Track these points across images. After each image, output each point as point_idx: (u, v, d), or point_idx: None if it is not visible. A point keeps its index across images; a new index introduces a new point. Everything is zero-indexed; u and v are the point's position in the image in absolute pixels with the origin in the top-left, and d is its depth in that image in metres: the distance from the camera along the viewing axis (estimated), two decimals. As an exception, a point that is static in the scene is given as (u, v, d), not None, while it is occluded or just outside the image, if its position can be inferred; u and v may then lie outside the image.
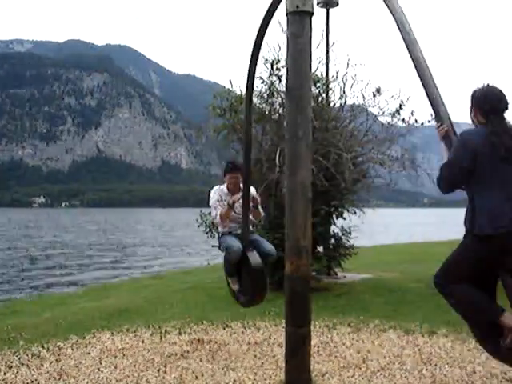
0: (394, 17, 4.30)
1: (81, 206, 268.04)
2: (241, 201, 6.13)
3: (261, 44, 5.42)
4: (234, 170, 6.44)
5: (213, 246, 11.72)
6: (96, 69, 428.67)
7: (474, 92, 3.75)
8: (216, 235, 10.76)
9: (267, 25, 5.24)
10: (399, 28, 4.26)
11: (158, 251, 33.84)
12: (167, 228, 67.44)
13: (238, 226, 6.40)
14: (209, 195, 6.56)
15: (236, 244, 6.08)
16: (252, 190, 6.28)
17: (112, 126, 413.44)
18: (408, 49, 4.15)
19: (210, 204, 6.48)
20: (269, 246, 6.34)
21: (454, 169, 3.59)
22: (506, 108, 3.67)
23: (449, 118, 3.86)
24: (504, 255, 3.47)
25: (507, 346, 3.64)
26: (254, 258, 6.02)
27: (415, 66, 4.06)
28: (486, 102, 3.64)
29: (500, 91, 3.68)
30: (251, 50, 5.41)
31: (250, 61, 5.51)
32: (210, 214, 6.62)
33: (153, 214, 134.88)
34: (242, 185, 6.24)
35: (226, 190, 6.47)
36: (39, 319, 8.59)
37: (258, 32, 5.29)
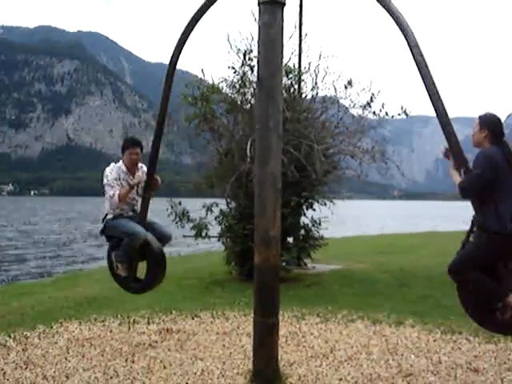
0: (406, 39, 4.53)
1: (50, 194, 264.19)
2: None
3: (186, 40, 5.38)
4: (134, 145, 5.98)
5: (184, 236, 11.72)
6: (67, 55, 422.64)
7: (486, 117, 4.43)
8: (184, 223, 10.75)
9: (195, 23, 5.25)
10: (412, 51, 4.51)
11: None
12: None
13: (129, 209, 6.02)
14: (103, 173, 5.92)
15: (140, 229, 5.70)
16: (145, 168, 5.98)
17: (82, 113, 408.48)
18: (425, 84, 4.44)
19: (106, 182, 5.83)
20: (165, 229, 6.11)
21: (481, 181, 4.21)
22: None
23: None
24: None
25: (503, 319, 4.39)
26: (155, 242, 5.79)
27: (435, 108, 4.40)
28: (499, 127, 4.41)
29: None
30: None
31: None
32: (109, 195, 5.78)
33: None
34: (140, 164, 6.00)
35: (124, 169, 5.93)
36: (6, 308, 8.47)
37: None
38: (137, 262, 5.97)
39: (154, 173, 5.83)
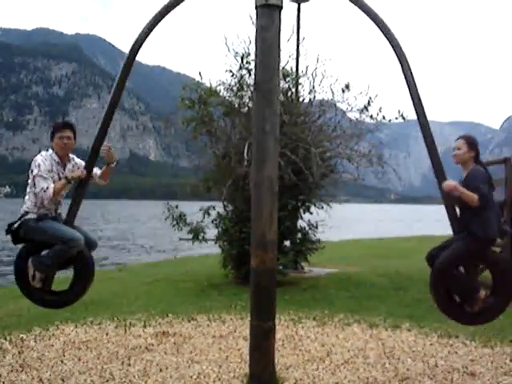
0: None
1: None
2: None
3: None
4: (65, 127, 5.15)
5: (180, 239, 11.71)
6: (65, 58, 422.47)
7: (472, 139, 5.07)
8: (180, 227, 10.73)
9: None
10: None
11: (123, 243, 33.50)
12: (135, 220, 66.92)
13: (54, 209, 5.17)
14: (31, 163, 5.05)
15: (79, 235, 4.92)
16: (78, 161, 5.31)
17: (80, 116, 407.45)
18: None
19: (37, 173, 4.92)
20: (91, 235, 5.33)
21: (491, 193, 4.88)
22: None
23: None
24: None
25: (473, 311, 4.94)
26: (86, 249, 5.09)
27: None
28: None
29: None
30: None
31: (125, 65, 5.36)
32: (42, 188, 4.87)
33: (122, 207, 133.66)
34: (71, 155, 5.28)
35: (56, 158, 5.09)
36: (2, 311, 8.45)
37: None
38: (55, 273, 5.16)
39: (93, 163, 5.20)
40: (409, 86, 4.88)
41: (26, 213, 5.03)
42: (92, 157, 5.18)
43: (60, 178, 5.06)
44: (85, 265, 5.13)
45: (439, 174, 4.89)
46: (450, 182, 4.75)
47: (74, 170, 5.19)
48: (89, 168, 5.17)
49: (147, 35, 5.08)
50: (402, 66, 4.89)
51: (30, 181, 5.04)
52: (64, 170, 5.15)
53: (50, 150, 5.13)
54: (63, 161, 5.17)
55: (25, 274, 5.04)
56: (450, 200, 4.89)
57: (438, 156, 4.96)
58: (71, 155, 5.29)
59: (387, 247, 20.76)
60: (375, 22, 4.89)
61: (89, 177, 5.16)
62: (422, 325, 7.14)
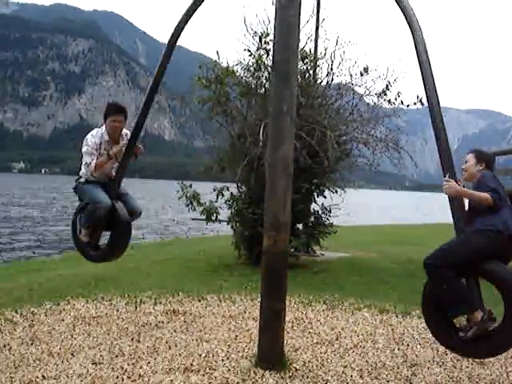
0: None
1: (61, 173, 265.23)
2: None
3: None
4: (119, 112, 5.58)
5: (193, 219, 11.72)
6: (82, 35, 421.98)
7: (482, 153, 4.64)
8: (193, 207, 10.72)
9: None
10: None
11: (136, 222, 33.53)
12: (148, 198, 67.14)
13: (106, 178, 5.68)
14: (83, 139, 5.57)
15: (104, 198, 5.42)
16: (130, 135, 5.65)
17: (95, 93, 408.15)
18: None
19: (85, 150, 5.48)
20: (136, 203, 5.82)
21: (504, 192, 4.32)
22: None
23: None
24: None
25: (466, 338, 4.16)
26: (123, 212, 5.52)
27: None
28: (493, 161, 4.72)
29: None
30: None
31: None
32: (86, 163, 5.47)
33: (135, 185, 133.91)
34: (124, 131, 5.65)
35: (106, 137, 5.54)
36: (14, 284, 8.53)
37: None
38: (101, 231, 5.74)
39: (137, 138, 5.54)
40: (422, 72, 4.61)
41: (80, 176, 5.68)
42: (134, 133, 5.54)
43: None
44: (119, 225, 5.53)
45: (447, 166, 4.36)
46: (452, 186, 4.22)
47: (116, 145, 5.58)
48: (132, 143, 5.53)
49: (182, 28, 5.24)
50: (416, 50, 4.65)
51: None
52: (115, 146, 5.55)
53: (103, 128, 5.57)
54: (114, 139, 5.56)
55: (75, 228, 5.79)
56: (453, 200, 4.33)
57: (448, 146, 4.42)
58: (125, 131, 5.68)
59: (400, 234, 20.69)
60: (399, 6, 4.74)
61: (132, 149, 5.56)
62: (432, 312, 7.09)
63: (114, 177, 5.66)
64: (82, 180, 5.67)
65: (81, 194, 5.74)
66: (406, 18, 4.55)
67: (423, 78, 4.47)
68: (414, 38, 4.51)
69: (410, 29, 4.52)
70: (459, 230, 4.28)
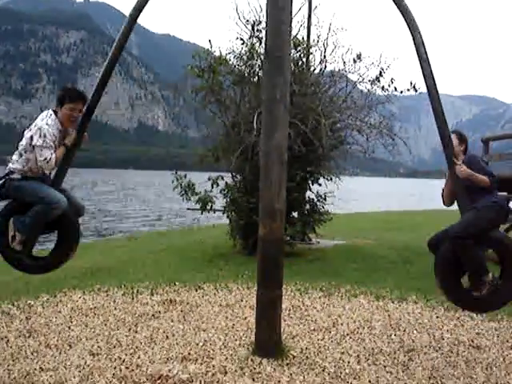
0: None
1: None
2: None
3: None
4: (79, 99, 4.82)
5: (188, 209, 11.71)
6: (73, 26, 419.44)
7: (462, 134, 5.26)
8: (189, 198, 10.71)
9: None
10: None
11: (128, 212, 33.51)
12: (143, 189, 67.04)
13: (41, 174, 4.84)
14: (30, 128, 4.74)
15: (62, 197, 4.67)
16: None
17: (88, 85, 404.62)
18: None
19: (41, 143, 4.62)
20: (79, 199, 5.18)
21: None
22: None
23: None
24: None
25: (482, 296, 4.75)
26: (71, 212, 4.88)
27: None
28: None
29: None
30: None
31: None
32: (45, 159, 4.62)
33: (127, 176, 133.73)
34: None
35: (60, 127, 4.79)
36: (10, 277, 8.50)
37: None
38: (38, 236, 4.89)
39: (86, 126, 4.96)
40: (419, 57, 4.73)
41: (12, 172, 4.78)
42: (85, 119, 4.94)
43: (59, 146, 4.81)
44: (69, 230, 4.90)
45: (449, 154, 4.88)
46: (464, 169, 4.80)
47: (69, 134, 4.89)
48: (83, 130, 4.95)
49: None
50: (413, 38, 4.74)
51: (25, 144, 4.72)
52: (65, 137, 4.88)
53: (53, 115, 4.78)
54: (66, 129, 4.87)
55: (5, 235, 4.76)
56: (460, 181, 4.86)
57: (448, 130, 4.89)
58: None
59: (396, 221, 20.74)
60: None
61: (81, 140, 4.98)
62: (428, 297, 7.12)
63: (56, 171, 4.88)
64: (17, 176, 4.76)
65: (20, 192, 4.75)
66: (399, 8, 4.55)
67: (419, 58, 4.55)
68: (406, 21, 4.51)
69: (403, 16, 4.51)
70: (465, 206, 4.84)
